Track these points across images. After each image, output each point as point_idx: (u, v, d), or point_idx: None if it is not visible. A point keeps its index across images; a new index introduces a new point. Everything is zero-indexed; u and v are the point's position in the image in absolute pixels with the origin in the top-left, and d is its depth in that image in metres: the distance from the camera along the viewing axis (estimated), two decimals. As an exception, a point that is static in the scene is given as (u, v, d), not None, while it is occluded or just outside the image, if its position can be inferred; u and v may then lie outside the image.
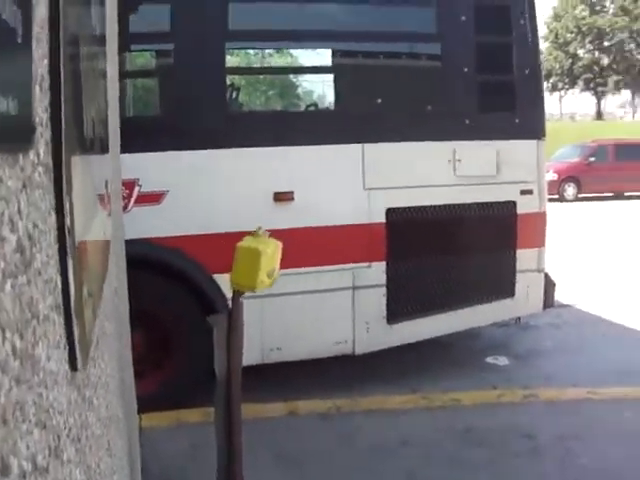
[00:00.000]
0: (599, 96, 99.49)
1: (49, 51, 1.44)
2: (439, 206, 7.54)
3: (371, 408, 6.98)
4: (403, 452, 6.10)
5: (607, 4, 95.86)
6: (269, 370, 7.14)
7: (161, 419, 6.51)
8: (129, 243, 5.20)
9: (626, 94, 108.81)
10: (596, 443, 6.24)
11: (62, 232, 1.44)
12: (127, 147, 5.24)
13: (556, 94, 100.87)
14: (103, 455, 2.26)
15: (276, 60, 26.81)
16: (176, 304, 6.84)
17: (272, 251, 4.06)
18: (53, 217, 1.41)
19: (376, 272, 7.33)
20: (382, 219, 7.29)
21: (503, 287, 8.02)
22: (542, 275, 8.22)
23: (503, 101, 7.93)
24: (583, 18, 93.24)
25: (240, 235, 4.85)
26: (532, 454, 6.06)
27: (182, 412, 6.76)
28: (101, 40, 3.12)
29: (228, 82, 8.23)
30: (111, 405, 2.75)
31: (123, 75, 7.41)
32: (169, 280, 6.81)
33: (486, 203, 7.78)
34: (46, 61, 1.42)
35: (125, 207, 6.12)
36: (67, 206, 1.47)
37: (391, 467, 5.84)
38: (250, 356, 5.68)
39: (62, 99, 1.47)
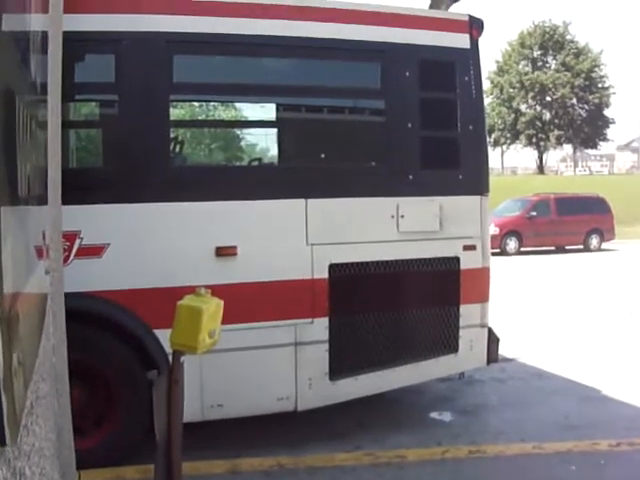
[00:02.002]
0: (541, 151, 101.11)
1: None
2: (382, 262, 7.52)
3: (315, 465, 6.89)
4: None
5: (549, 60, 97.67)
6: (210, 427, 7.03)
7: (100, 476, 6.36)
8: (69, 296, 5.11)
9: (567, 148, 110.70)
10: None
11: (-11, 300, 1.37)
12: (69, 199, 5.17)
13: (498, 149, 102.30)
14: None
15: (220, 113, 26.74)
16: (117, 359, 6.71)
17: (214, 310, 4.02)
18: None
19: (319, 328, 7.26)
20: (325, 274, 7.25)
21: (447, 342, 8.00)
22: (486, 330, 8.22)
23: (447, 157, 7.97)
24: (526, 73, 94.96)
25: (182, 290, 4.80)
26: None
27: (121, 469, 6.60)
28: (41, 89, 3.06)
29: (171, 135, 8.18)
30: (45, 471, 2.66)
31: (66, 125, 7.33)
32: (110, 334, 6.69)
33: (429, 259, 7.77)
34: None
35: (66, 259, 6.01)
36: (-5, 271, 1.41)
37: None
38: (190, 413, 5.59)
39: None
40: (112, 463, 6.58)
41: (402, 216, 7.54)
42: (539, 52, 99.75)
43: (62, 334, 4.44)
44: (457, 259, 7.91)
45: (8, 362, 1.51)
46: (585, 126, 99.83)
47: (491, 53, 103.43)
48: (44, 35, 3.27)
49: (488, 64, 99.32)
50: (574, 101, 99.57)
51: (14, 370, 1.61)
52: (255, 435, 7.45)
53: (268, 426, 7.51)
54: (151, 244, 6.75)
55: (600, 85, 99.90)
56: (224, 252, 6.87)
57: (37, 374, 2.45)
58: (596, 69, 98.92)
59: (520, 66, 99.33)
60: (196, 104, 23.49)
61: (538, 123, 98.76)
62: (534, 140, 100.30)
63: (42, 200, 3.24)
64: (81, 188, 6.12)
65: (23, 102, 2.08)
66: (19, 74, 2.00)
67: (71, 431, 4.62)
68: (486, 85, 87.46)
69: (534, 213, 34.47)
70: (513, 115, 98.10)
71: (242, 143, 27.64)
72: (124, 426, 6.74)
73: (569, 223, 33.48)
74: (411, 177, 7.67)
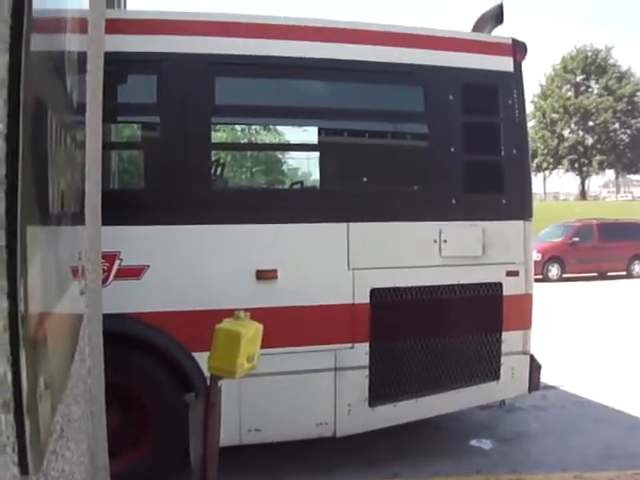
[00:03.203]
0: (583, 176, 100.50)
1: (7, 115, 1.33)
2: (424, 287, 7.43)
3: (352, 493, 6.81)
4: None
5: (592, 84, 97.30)
6: (247, 451, 6.97)
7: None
8: (107, 318, 5.09)
9: (610, 174, 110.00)
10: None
11: (14, 320, 1.31)
12: (109, 219, 5.16)
13: (540, 174, 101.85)
14: None
15: (262, 137, 26.92)
16: (154, 381, 6.68)
17: (253, 334, 3.96)
18: (4, 303, 1.28)
19: (359, 353, 7.19)
20: (366, 299, 7.19)
21: (488, 370, 7.89)
22: (528, 357, 8.10)
23: (490, 181, 7.89)
24: (569, 98, 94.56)
25: (221, 313, 4.75)
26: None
27: (157, 493, 6.56)
28: (79, 109, 3.03)
29: (213, 157, 8.17)
30: (75, 496, 2.60)
31: (107, 146, 7.35)
32: (147, 357, 6.66)
33: (471, 284, 7.68)
34: (1, 125, 1.30)
35: (105, 281, 6.00)
36: (21, 291, 1.35)
37: None
38: (228, 436, 5.53)
39: (19, 169, 1.35)
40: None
41: (445, 241, 7.46)
42: (582, 76, 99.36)
43: (99, 356, 4.40)
44: (500, 285, 7.81)
45: (33, 386, 1.45)
46: (628, 151, 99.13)
47: (534, 76, 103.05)
48: (82, 55, 3.24)
49: (531, 87, 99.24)
50: (617, 126, 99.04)
51: (40, 394, 1.56)
52: (292, 461, 7.39)
53: (305, 452, 7.44)
54: (191, 266, 6.73)
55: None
56: (264, 275, 6.83)
57: (69, 397, 2.39)
58: (638, 93, 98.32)
59: (563, 90, 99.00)
60: (238, 127, 23.69)
61: (580, 148, 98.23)
62: (576, 165, 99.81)
63: (79, 220, 3.19)
64: (121, 209, 6.12)
65: (57, 120, 2.03)
66: (52, 92, 1.96)
67: (106, 454, 4.57)
68: (529, 108, 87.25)
69: (577, 239, 34.20)
70: (556, 140, 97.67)
71: (284, 166, 27.75)
72: (159, 449, 6.69)
73: (612, 249, 33.16)
74: (454, 202, 7.60)
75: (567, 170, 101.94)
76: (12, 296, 1.32)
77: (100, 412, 4.33)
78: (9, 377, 1.32)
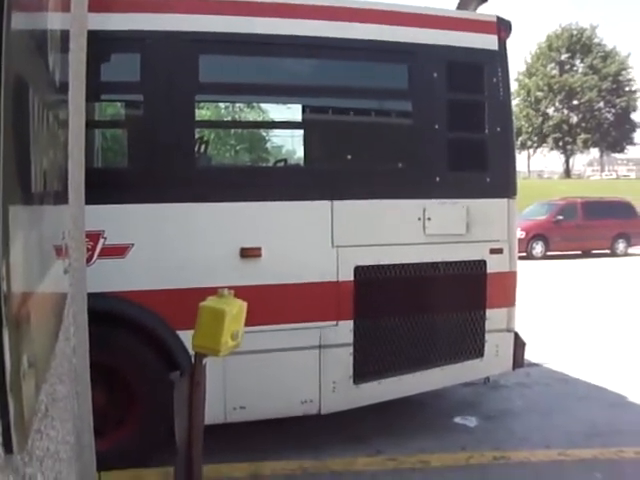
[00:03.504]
0: (567, 154, 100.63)
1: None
2: (408, 264, 7.45)
3: (338, 470, 6.82)
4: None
5: (576, 63, 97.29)
6: (232, 429, 6.98)
7: (120, 478, 6.31)
8: (92, 297, 5.08)
9: (594, 152, 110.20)
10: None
11: (-4, 299, 1.31)
12: (93, 198, 5.14)
13: (525, 152, 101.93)
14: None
15: (246, 114, 26.83)
16: (139, 360, 6.68)
17: (237, 312, 3.96)
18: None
19: (343, 331, 7.21)
20: (350, 277, 7.19)
21: (472, 347, 7.92)
22: (512, 335, 8.13)
23: (474, 159, 7.89)
24: (553, 76, 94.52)
25: (206, 291, 4.75)
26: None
27: (142, 471, 6.55)
28: (62, 88, 3.01)
29: (197, 135, 8.14)
30: (60, 475, 2.60)
31: (90, 125, 7.31)
32: (132, 335, 6.65)
33: (456, 262, 7.69)
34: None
35: (89, 259, 5.98)
36: (3, 270, 1.35)
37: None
38: (213, 415, 5.54)
39: (0, 148, 1.35)
40: (132, 465, 6.53)
41: (429, 219, 7.47)
42: (566, 55, 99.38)
43: (84, 335, 4.39)
44: (484, 262, 7.83)
45: (16, 365, 1.45)
46: (612, 130, 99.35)
47: (519, 55, 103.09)
48: (65, 33, 3.22)
49: (516, 65, 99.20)
50: (601, 104, 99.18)
51: (23, 373, 1.56)
52: (277, 438, 7.41)
53: (289, 428, 7.46)
54: (175, 245, 6.71)
55: (627, 88, 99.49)
56: (248, 253, 6.82)
57: (54, 376, 2.39)
58: (623, 72, 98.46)
59: (547, 69, 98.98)
60: (221, 105, 23.60)
61: (565, 126, 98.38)
62: (561, 144, 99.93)
63: (63, 199, 3.17)
64: (105, 188, 6.10)
65: (39, 99, 2.02)
66: (34, 70, 1.95)
67: (92, 433, 4.58)
68: (514, 86, 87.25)
69: (561, 217, 34.29)
70: (540, 118, 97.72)
71: (268, 144, 27.71)
72: (145, 428, 6.70)
73: (596, 227, 33.28)
74: (438, 179, 7.60)
75: (551, 148, 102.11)
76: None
77: (85, 391, 4.33)
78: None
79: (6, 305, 1.36)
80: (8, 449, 1.40)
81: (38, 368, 1.89)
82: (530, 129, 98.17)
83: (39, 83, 2.06)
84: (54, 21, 2.67)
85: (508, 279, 8.05)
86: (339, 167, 7.68)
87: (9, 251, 1.40)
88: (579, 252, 33.90)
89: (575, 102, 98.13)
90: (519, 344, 8.19)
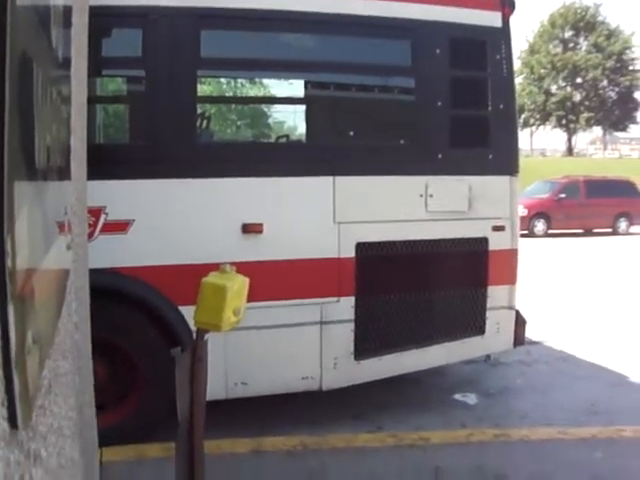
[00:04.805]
0: (570, 132, 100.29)
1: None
2: (410, 241, 7.45)
3: (338, 446, 6.83)
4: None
5: (580, 41, 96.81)
6: (233, 405, 7.00)
7: (122, 453, 6.33)
8: (94, 273, 5.07)
9: (597, 131, 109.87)
10: (567, 485, 6.16)
11: (1, 275, 1.31)
12: (95, 174, 5.13)
13: (527, 130, 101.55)
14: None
15: (247, 90, 26.77)
16: (141, 336, 6.69)
17: (239, 287, 3.95)
18: (-9, 258, 1.29)
19: (345, 307, 7.22)
20: (352, 253, 7.19)
21: (473, 324, 7.93)
22: (513, 312, 8.13)
23: (477, 136, 7.88)
24: (557, 54, 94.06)
25: (207, 267, 4.74)
26: (502, 496, 5.97)
27: (144, 447, 6.56)
28: (64, 64, 3.00)
29: (199, 111, 8.12)
30: (64, 451, 2.61)
31: (93, 100, 7.29)
32: (134, 311, 6.66)
33: (457, 239, 7.69)
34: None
35: (91, 235, 5.98)
36: (8, 246, 1.35)
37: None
38: (214, 390, 5.56)
39: (5, 123, 1.34)
40: (135, 440, 6.56)
41: (431, 195, 7.46)
42: (570, 33, 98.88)
43: (85, 311, 4.39)
44: (485, 240, 7.83)
45: (21, 340, 1.46)
46: (615, 108, 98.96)
47: (523, 32, 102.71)
48: (67, 9, 3.20)
49: (519, 43, 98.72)
50: (605, 83, 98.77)
51: (28, 348, 1.56)
52: (278, 413, 7.43)
53: (291, 404, 7.48)
54: (177, 220, 6.71)
55: (631, 67, 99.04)
56: (250, 229, 6.82)
57: (57, 352, 2.40)
58: (627, 51, 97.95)
59: (551, 46, 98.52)
60: (224, 80, 23.55)
61: (568, 104, 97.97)
62: (564, 122, 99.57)
63: (66, 175, 3.17)
64: (107, 163, 6.09)
65: (43, 75, 2.02)
66: (38, 46, 1.94)
67: (93, 408, 4.59)
68: (517, 64, 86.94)
69: (563, 195, 34.31)
70: (543, 96, 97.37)
71: (270, 120, 27.65)
72: (147, 403, 6.72)
73: (598, 206, 33.29)
74: (440, 156, 7.59)
75: (554, 126, 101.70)
76: (-1, 251, 1.32)
77: (87, 367, 4.34)
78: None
79: (11, 281, 1.36)
80: (13, 424, 1.41)
81: (42, 344, 1.90)
82: (533, 107, 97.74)
83: (43, 59, 2.06)
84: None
85: (510, 256, 8.04)
86: (341, 143, 7.68)
87: (14, 227, 1.41)
88: (581, 230, 33.94)
89: (579, 80, 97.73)
90: (520, 322, 8.20)
